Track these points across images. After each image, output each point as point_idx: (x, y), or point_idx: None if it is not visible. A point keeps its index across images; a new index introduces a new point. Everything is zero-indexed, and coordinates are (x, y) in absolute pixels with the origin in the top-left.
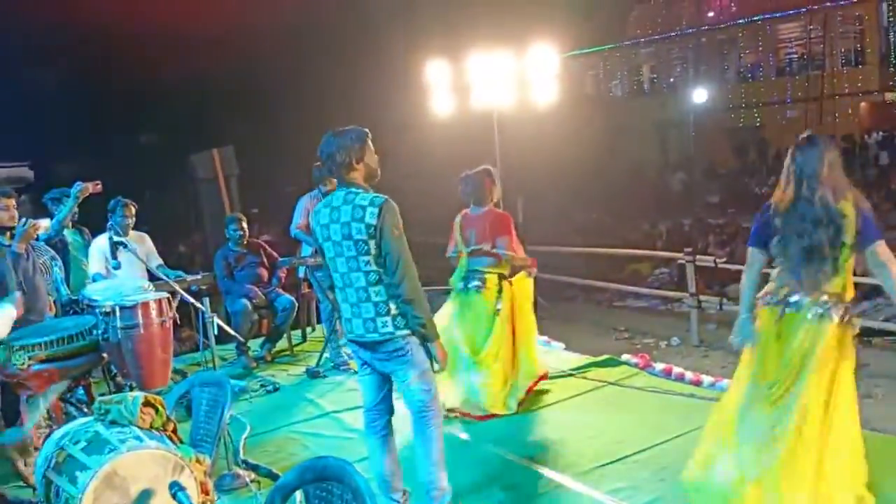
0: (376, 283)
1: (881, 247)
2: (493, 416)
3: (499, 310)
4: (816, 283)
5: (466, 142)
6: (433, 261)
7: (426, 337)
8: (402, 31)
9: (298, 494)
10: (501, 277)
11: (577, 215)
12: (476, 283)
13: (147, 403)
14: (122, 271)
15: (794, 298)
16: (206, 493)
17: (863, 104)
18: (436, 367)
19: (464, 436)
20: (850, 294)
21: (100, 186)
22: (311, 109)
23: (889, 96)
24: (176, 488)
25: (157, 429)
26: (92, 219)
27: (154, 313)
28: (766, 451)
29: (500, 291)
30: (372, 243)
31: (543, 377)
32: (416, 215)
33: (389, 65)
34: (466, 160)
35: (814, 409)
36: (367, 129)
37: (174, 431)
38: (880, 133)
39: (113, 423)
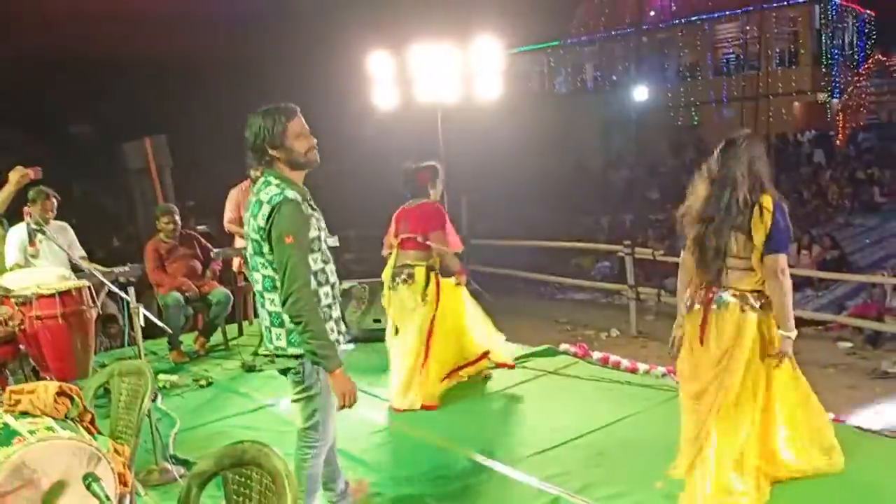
0: (272, 290)
1: (782, 260)
2: (425, 407)
3: (424, 297)
4: (734, 280)
5: (412, 135)
6: (377, 255)
7: (319, 364)
8: (349, 19)
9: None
10: (430, 269)
11: (522, 210)
12: (403, 276)
13: (61, 393)
14: (41, 261)
15: (716, 297)
16: (125, 485)
17: (796, 104)
18: (335, 402)
19: (398, 425)
20: (760, 286)
21: (40, 172)
22: (252, 98)
23: (821, 96)
24: (90, 479)
25: (72, 419)
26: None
27: (74, 302)
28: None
29: (427, 283)
30: (266, 245)
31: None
32: (359, 208)
33: (334, 54)
34: (412, 154)
35: (743, 395)
36: (294, 107)
37: (91, 422)
38: (812, 132)
39: (24, 413)
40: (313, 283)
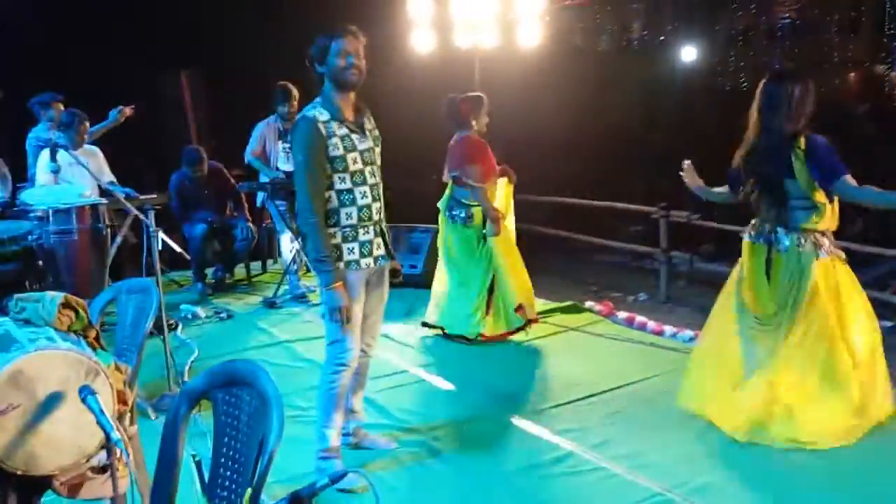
0: None
1: (847, 182)
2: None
3: (485, 234)
4: (791, 219)
5: (447, 84)
6: (417, 204)
7: (320, 278)
8: None
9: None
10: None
11: (557, 166)
12: (461, 214)
13: (67, 305)
14: (63, 178)
15: (778, 236)
16: (124, 403)
17: (852, 74)
18: (357, 322)
19: (418, 371)
20: (831, 227)
21: (133, 111)
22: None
23: (880, 68)
24: (86, 392)
25: (76, 332)
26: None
27: (90, 219)
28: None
29: (485, 221)
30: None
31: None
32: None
33: None
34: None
35: (810, 336)
36: (349, 27)
37: (96, 338)
38: (867, 105)
39: (27, 322)
40: (334, 202)
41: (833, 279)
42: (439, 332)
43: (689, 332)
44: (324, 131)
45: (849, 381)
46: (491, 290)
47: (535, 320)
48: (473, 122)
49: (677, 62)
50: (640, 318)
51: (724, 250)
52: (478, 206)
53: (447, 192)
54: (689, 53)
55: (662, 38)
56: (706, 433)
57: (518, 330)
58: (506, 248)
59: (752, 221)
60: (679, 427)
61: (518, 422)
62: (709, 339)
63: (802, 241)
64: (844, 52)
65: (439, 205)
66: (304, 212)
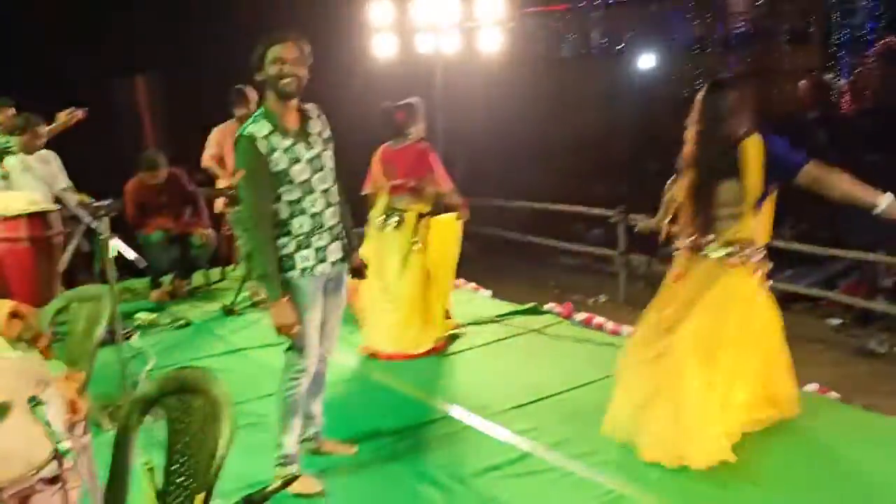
0: None
1: (811, 166)
2: (407, 356)
3: (416, 243)
4: (723, 229)
5: (409, 90)
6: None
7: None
8: None
9: None
10: (421, 215)
11: (519, 173)
12: (394, 219)
13: (15, 314)
14: (14, 183)
15: (700, 243)
16: (76, 412)
17: (802, 82)
18: (314, 329)
19: (376, 375)
20: (761, 240)
21: (87, 113)
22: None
23: (827, 76)
24: (34, 402)
25: (25, 341)
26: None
27: (41, 227)
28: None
29: (417, 228)
30: None
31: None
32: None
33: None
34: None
35: (702, 335)
36: (287, 34)
37: (47, 347)
38: (817, 112)
39: None
40: (285, 213)
41: (743, 290)
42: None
43: None
44: (264, 148)
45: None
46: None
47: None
48: (412, 130)
49: (636, 69)
50: (597, 319)
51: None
52: (411, 211)
53: (382, 201)
54: (647, 61)
55: (621, 45)
56: None
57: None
58: (445, 246)
59: (679, 234)
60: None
61: (477, 423)
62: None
63: (723, 250)
64: (795, 60)
65: (370, 216)
66: (249, 230)
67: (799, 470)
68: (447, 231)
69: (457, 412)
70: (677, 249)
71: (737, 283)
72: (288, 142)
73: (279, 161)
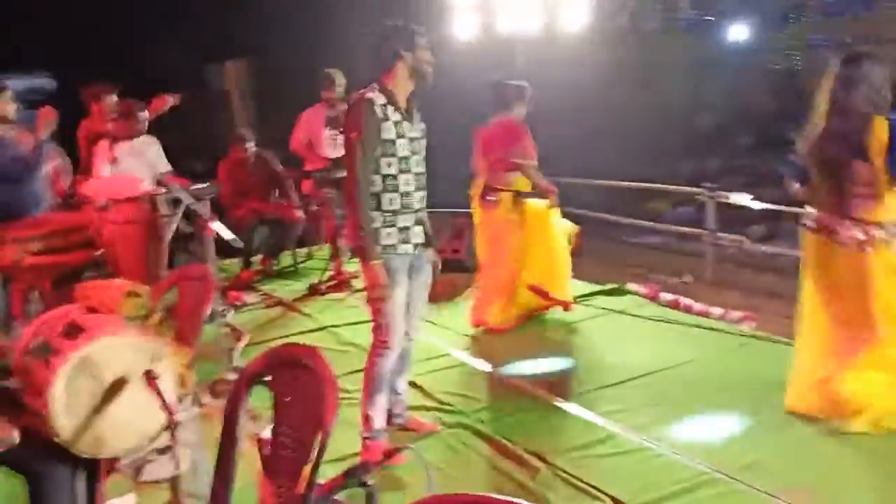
0: None
1: None
2: (492, 329)
3: (512, 223)
4: (859, 209)
5: (489, 69)
6: (459, 189)
7: (362, 253)
8: None
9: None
10: (518, 195)
11: (601, 151)
12: (491, 198)
13: (131, 292)
14: (120, 169)
15: (835, 226)
16: (184, 387)
17: None
18: (400, 308)
19: (457, 352)
20: (892, 217)
21: (179, 99)
22: (329, 28)
23: None
24: (149, 377)
25: (139, 318)
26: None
27: (147, 209)
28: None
29: (514, 208)
30: None
31: (560, 304)
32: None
33: None
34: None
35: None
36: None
37: (159, 324)
38: None
39: (93, 309)
40: (378, 186)
41: (891, 266)
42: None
43: (737, 314)
44: (380, 113)
45: None
46: (511, 276)
47: (567, 304)
48: (516, 109)
49: (726, 41)
50: (685, 301)
51: (774, 232)
52: (506, 191)
53: (481, 178)
54: (738, 32)
55: (711, 16)
56: (751, 414)
57: (536, 311)
58: (540, 233)
59: (809, 210)
60: (723, 408)
61: (561, 404)
62: (803, 330)
63: (862, 233)
64: (878, 52)
65: (472, 192)
66: (352, 189)
67: None
68: (541, 218)
69: (539, 392)
70: (805, 227)
71: (883, 266)
72: (398, 116)
73: (389, 130)
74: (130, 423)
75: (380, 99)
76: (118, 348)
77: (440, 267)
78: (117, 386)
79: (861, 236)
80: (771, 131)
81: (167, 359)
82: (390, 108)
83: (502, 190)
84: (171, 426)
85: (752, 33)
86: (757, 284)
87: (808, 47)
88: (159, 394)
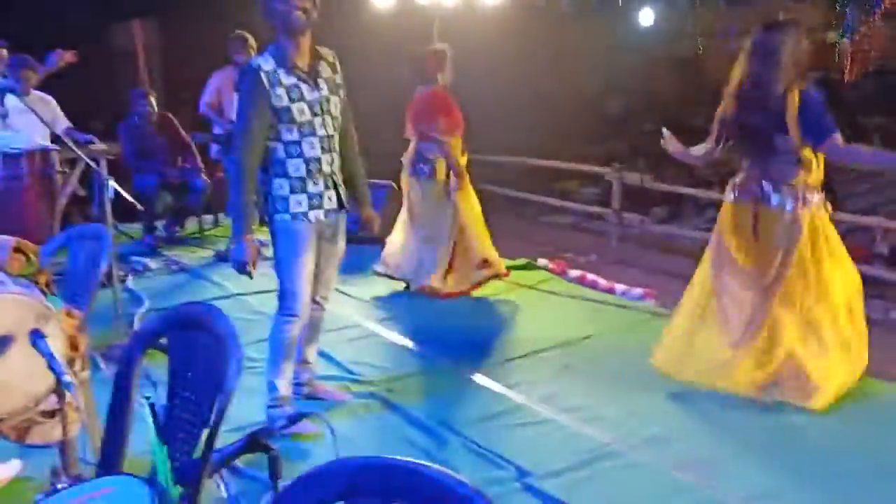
0: None
1: (838, 139)
2: (432, 291)
3: (453, 189)
4: (777, 173)
5: (406, 42)
6: (375, 161)
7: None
8: None
9: None
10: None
11: (513, 130)
12: (425, 168)
13: (18, 249)
14: (13, 123)
15: (764, 191)
16: (76, 349)
17: (805, 42)
18: (304, 273)
19: (371, 324)
20: (816, 180)
21: (76, 56)
22: None
23: (831, 36)
24: (37, 336)
25: (26, 276)
26: None
27: (40, 165)
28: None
29: (448, 175)
30: None
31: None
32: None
33: None
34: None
35: (798, 293)
36: None
37: (47, 284)
38: (818, 72)
39: None
40: (281, 153)
41: (818, 233)
42: (400, 284)
43: (638, 291)
44: (266, 81)
45: (849, 340)
46: (455, 246)
47: (506, 274)
48: (439, 76)
49: (635, 26)
50: (590, 277)
51: (675, 213)
52: (441, 159)
53: (411, 147)
54: (646, 17)
55: (621, 1)
56: (653, 387)
57: (479, 284)
58: (469, 203)
59: (735, 180)
60: (628, 381)
61: (471, 375)
62: (690, 303)
63: (790, 196)
64: (798, 18)
65: (403, 160)
66: (234, 161)
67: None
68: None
69: (452, 363)
70: (738, 197)
71: (811, 230)
72: (292, 80)
73: (281, 97)
74: (15, 384)
75: (267, 65)
76: (3, 306)
77: (377, 224)
78: (1, 345)
79: (791, 201)
80: (675, 116)
81: (56, 319)
82: (281, 72)
83: (435, 160)
84: (60, 388)
85: (659, 18)
86: (656, 263)
87: (709, 35)
88: (46, 354)
